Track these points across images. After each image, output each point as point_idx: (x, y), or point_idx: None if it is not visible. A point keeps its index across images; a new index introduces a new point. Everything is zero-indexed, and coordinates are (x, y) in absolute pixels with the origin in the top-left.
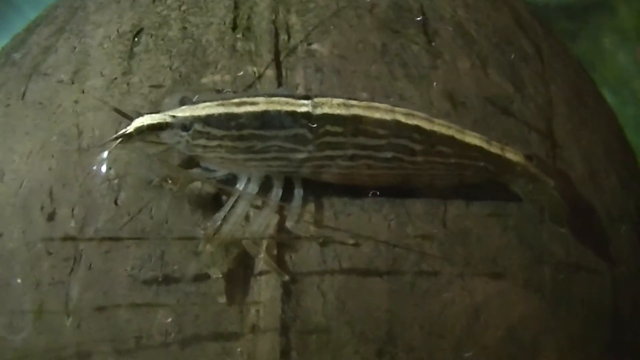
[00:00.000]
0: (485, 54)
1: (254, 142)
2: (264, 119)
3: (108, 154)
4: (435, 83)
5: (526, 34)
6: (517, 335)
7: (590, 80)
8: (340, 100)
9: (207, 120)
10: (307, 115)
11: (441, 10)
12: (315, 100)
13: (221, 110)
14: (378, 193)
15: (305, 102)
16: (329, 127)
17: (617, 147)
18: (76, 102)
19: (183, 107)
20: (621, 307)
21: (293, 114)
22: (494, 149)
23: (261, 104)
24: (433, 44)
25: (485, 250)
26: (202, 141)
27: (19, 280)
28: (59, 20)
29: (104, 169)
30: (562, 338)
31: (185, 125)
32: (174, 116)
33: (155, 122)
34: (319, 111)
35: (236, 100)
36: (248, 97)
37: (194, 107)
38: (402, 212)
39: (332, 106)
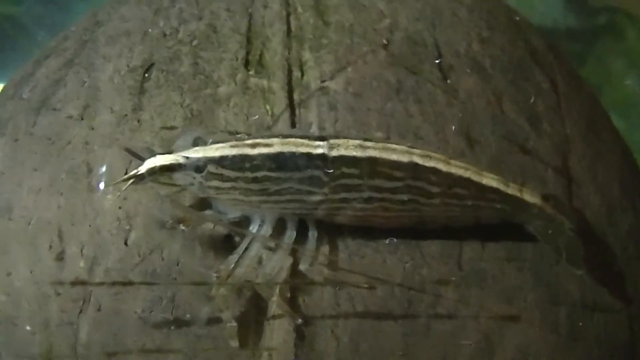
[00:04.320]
0: (500, 90)
1: (268, 185)
2: (278, 161)
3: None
4: (450, 121)
5: (541, 67)
6: None
7: (603, 110)
8: (357, 142)
9: (220, 161)
10: (322, 157)
11: (456, 45)
12: (331, 141)
13: (235, 151)
14: (395, 240)
15: (321, 143)
16: (344, 169)
17: (631, 179)
18: (85, 138)
19: (196, 148)
20: (637, 345)
21: (308, 155)
22: (512, 190)
23: (276, 145)
24: (448, 80)
25: (500, 292)
26: (216, 183)
27: (27, 322)
28: (68, 53)
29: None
30: None
31: (199, 166)
32: (187, 157)
33: (167, 163)
34: (334, 153)
35: (250, 141)
36: (262, 138)
37: (207, 148)
38: (417, 254)
39: (348, 148)
